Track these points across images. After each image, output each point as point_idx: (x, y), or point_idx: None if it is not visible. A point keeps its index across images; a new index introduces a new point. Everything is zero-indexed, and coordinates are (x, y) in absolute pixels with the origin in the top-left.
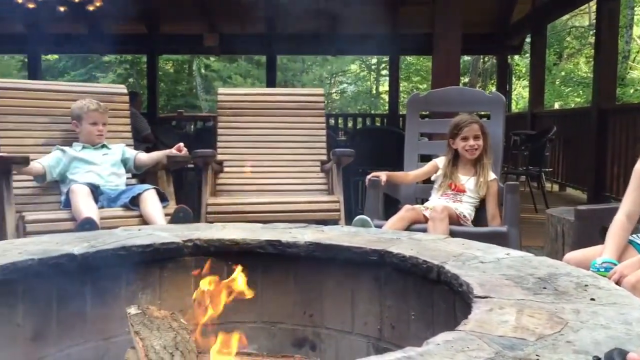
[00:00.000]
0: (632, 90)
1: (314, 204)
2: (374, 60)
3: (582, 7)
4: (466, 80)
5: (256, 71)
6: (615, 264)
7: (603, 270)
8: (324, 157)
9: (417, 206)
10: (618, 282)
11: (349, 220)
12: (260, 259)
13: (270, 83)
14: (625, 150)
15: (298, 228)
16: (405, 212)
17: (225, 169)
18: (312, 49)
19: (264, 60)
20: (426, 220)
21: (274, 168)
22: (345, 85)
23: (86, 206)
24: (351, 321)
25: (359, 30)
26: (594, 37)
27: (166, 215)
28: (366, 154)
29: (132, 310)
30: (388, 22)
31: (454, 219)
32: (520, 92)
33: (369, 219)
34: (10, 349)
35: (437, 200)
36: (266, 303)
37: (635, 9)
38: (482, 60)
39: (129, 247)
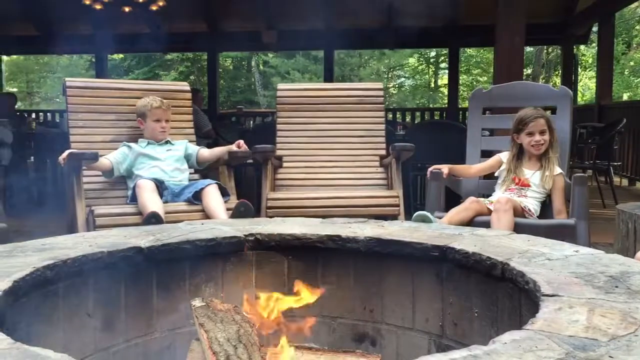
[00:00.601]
0: None
1: (373, 199)
2: (433, 53)
3: None
4: (529, 71)
5: (314, 66)
6: None
7: None
8: (383, 152)
9: (481, 199)
10: None
11: (408, 216)
12: (320, 254)
13: (328, 78)
14: None
15: (358, 223)
16: (470, 203)
17: (285, 164)
18: (370, 43)
19: (321, 56)
20: (490, 213)
21: (333, 163)
22: (403, 79)
23: (152, 201)
24: (412, 317)
25: (418, 23)
26: None
27: (227, 209)
28: (425, 149)
29: (197, 302)
30: (447, 13)
31: (519, 212)
32: (587, 83)
33: (429, 214)
34: (80, 338)
35: (501, 195)
36: (326, 298)
37: None
38: (545, 50)
39: (192, 240)
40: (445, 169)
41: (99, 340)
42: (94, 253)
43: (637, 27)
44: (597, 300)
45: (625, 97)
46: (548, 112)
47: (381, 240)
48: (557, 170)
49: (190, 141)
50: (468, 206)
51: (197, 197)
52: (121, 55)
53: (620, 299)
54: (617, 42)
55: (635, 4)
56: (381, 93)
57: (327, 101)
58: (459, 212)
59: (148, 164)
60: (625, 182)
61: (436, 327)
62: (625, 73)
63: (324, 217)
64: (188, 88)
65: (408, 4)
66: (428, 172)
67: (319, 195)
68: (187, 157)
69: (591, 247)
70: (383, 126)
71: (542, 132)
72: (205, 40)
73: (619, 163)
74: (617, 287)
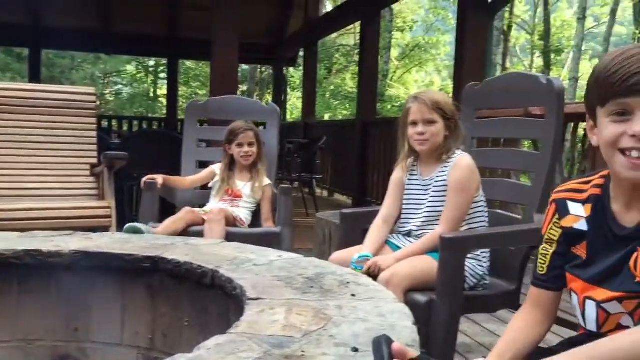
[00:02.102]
0: (389, 106)
1: (82, 210)
2: (152, 63)
3: (349, 28)
4: (244, 88)
5: (17, 65)
6: (370, 257)
7: (359, 268)
8: (94, 160)
9: (196, 209)
10: (375, 277)
11: (122, 228)
12: (16, 271)
13: (34, 79)
14: (384, 160)
15: (62, 236)
16: (185, 214)
17: None
18: (83, 45)
19: (26, 54)
20: (204, 223)
21: (35, 171)
22: (120, 86)
23: None
24: (120, 332)
25: (137, 29)
26: (358, 56)
27: None
28: (142, 158)
29: None
30: (167, 24)
31: (231, 221)
32: (295, 102)
33: (141, 226)
34: None
35: (215, 205)
36: (23, 319)
37: (393, 33)
38: (259, 69)
39: None
40: (159, 179)
41: None
42: None
43: (337, 56)
44: (295, 300)
45: (326, 117)
46: (261, 128)
47: (88, 253)
48: (266, 181)
49: None
50: (183, 216)
51: None
52: None
53: (314, 297)
54: (320, 67)
55: (335, 34)
56: (93, 98)
57: (30, 103)
58: (173, 222)
59: None
60: (325, 193)
61: (145, 341)
62: (327, 95)
63: (23, 231)
64: None
65: (126, 9)
66: (142, 182)
67: (17, 206)
68: None
69: (294, 253)
70: (95, 133)
71: (250, 144)
72: None
73: (321, 176)
74: (312, 287)
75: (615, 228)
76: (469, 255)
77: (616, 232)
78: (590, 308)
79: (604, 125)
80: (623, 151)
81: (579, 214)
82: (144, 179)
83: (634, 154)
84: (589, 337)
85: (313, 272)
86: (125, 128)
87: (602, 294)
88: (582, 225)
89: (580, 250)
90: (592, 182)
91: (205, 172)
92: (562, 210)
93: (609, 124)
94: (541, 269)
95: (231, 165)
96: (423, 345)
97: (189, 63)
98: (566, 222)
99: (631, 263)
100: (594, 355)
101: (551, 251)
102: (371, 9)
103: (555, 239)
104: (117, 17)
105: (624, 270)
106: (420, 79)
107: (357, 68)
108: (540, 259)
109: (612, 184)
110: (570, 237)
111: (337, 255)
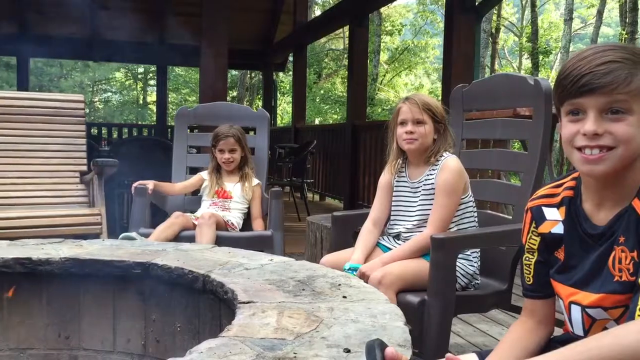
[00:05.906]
0: (379, 110)
1: (71, 218)
2: (141, 70)
3: (337, 32)
4: (235, 94)
5: (5, 73)
6: (358, 267)
7: (353, 272)
8: (84, 168)
9: (187, 214)
10: (366, 280)
11: (113, 235)
12: (6, 279)
13: (22, 87)
14: (374, 163)
15: (53, 244)
16: (175, 218)
17: None
18: (71, 53)
19: (14, 62)
20: (194, 227)
21: (24, 179)
22: (109, 93)
23: None
24: (112, 339)
25: (124, 37)
26: (347, 60)
27: None
28: (132, 165)
29: None
30: (155, 30)
31: (222, 226)
32: (285, 107)
33: (135, 235)
34: None
35: (206, 209)
36: (14, 327)
37: (382, 37)
38: (249, 75)
39: None
40: (150, 184)
41: None
42: None
43: (326, 60)
44: (287, 303)
45: (317, 121)
46: (251, 133)
47: (79, 260)
48: (255, 181)
49: None
50: (174, 221)
51: None
52: None
53: (305, 300)
54: (310, 72)
55: (324, 39)
56: (82, 105)
57: (18, 111)
58: (164, 229)
59: None
60: (317, 197)
61: (138, 347)
62: (317, 100)
63: (13, 239)
64: None
65: (114, 17)
66: (132, 188)
67: (7, 215)
68: None
69: (286, 256)
70: (84, 140)
71: (231, 151)
72: None
73: (312, 180)
74: (303, 290)
75: (588, 228)
76: (459, 255)
77: (590, 232)
78: (576, 312)
79: (563, 125)
80: (579, 149)
81: (555, 218)
82: (134, 184)
83: (587, 151)
84: (571, 336)
85: (304, 275)
86: (115, 135)
87: (585, 297)
88: (560, 229)
89: (561, 254)
90: (564, 184)
91: (194, 179)
92: (538, 217)
93: (567, 124)
94: (528, 279)
95: (218, 168)
96: (415, 345)
97: (178, 69)
98: (544, 228)
99: (609, 263)
100: (571, 355)
101: (533, 260)
102: (359, 12)
103: (535, 247)
104: (105, 25)
105: (603, 271)
106: (410, 82)
107: (347, 72)
108: (525, 269)
109: (582, 184)
110: (550, 242)
111: (329, 257)
